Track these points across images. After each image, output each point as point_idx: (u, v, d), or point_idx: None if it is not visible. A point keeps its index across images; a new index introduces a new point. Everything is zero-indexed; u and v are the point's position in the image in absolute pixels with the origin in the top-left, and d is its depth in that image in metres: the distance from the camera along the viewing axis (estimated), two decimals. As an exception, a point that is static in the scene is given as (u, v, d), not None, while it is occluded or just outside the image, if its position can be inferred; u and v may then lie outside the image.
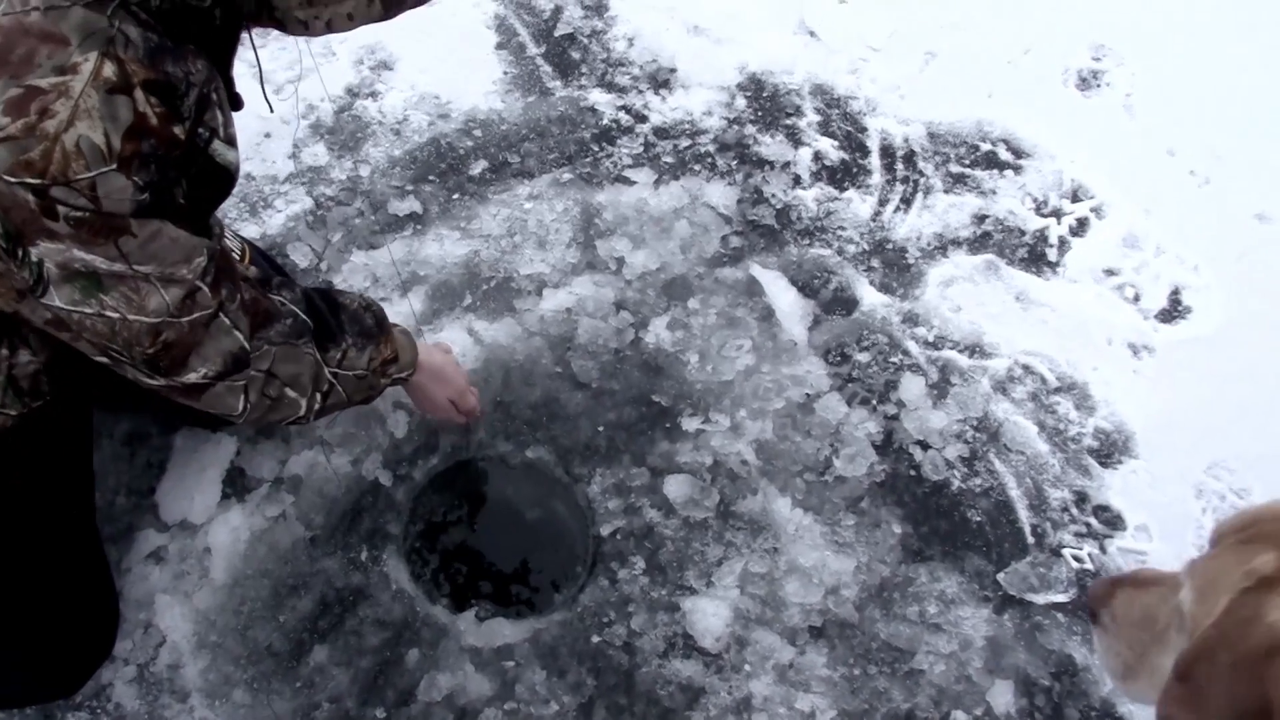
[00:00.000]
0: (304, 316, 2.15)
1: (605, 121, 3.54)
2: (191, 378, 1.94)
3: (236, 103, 1.93)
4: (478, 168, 3.39)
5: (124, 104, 1.56)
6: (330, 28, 1.92)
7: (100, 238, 1.64)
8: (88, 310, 1.74)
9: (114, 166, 1.56)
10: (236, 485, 2.79)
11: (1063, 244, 3.36)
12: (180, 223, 1.72)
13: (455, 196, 3.33)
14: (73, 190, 1.56)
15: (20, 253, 1.65)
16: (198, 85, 1.68)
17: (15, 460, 2.13)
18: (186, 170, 1.69)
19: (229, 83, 1.93)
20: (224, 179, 1.79)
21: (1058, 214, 3.41)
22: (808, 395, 2.99)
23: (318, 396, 2.20)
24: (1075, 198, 3.44)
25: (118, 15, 1.58)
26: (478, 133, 3.48)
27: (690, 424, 2.92)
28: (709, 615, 2.65)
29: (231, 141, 1.79)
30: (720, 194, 3.37)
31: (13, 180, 1.54)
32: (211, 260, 1.82)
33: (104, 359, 1.87)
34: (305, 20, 1.85)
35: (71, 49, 1.53)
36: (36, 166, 1.53)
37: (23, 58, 1.52)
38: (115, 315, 1.75)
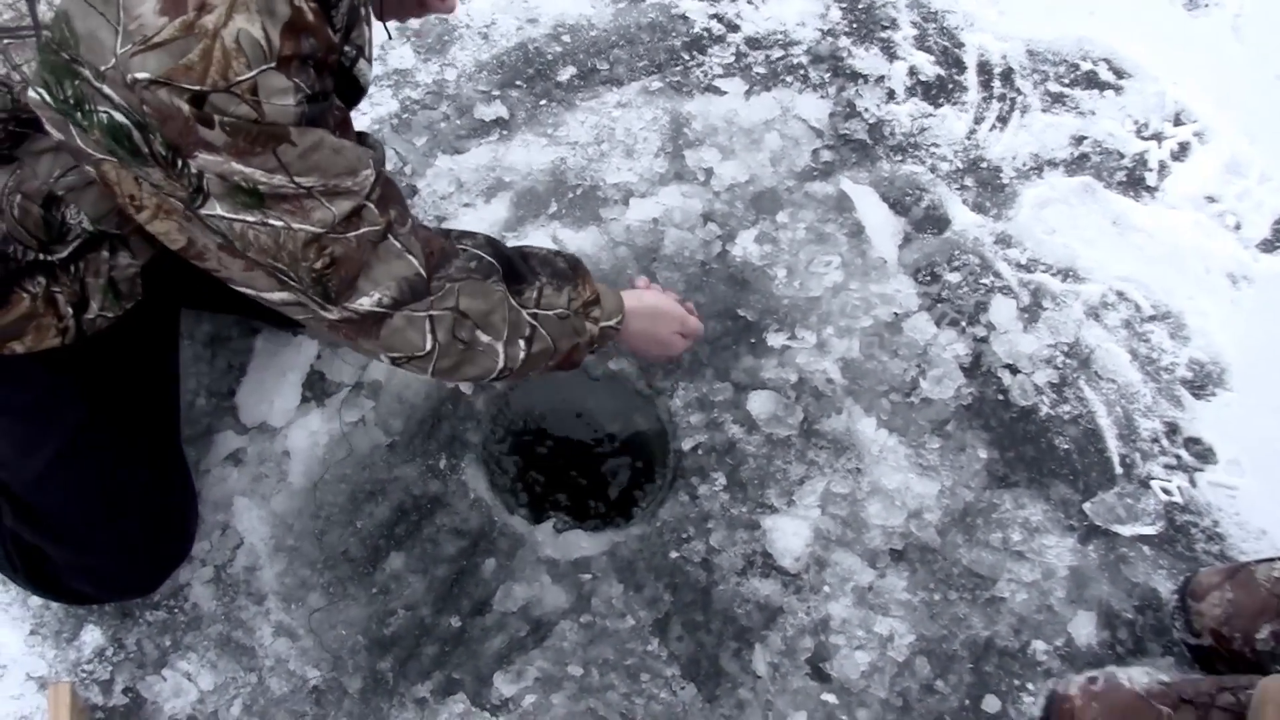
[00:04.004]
0: (488, 257, 2.06)
1: (696, 30, 3.47)
2: (364, 303, 1.85)
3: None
4: (565, 74, 3.34)
5: None
6: None
7: (258, 146, 1.59)
8: (250, 219, 1.68)
9: (274, 65, 1.53)
10: (316, 389, 2.79)
11: (1163, 168, 3.26)
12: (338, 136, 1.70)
13: (542, 103, 3.28)
14: (231, 95, 1.52)
15: (180, 164, 1.60)
16: None
17: (105, 360, 2.14)
18: (336, 85, 1.67)
19: None
20: (357, 95, 1.78)
21: (1159, 137, 3.32)
22: (896, 314, 2.94)
23: (520, 343, 2.07)
24: (1178, 121, 3.34)
25: None
26: (566, 38, 3.43)
27: (776, 340, 2.88)
28: (789, 534, 2.63)
29: (370, 60, 1.78)
30: (812, 107, 3.30)
31: (169, 85, 1.50)
32: (378, 179, 1.79)
33: (280, 294, 1.82)
34: None
35: None
36: (196, 70, 1.49)
37: None
38: (279, 223, 1.70)
